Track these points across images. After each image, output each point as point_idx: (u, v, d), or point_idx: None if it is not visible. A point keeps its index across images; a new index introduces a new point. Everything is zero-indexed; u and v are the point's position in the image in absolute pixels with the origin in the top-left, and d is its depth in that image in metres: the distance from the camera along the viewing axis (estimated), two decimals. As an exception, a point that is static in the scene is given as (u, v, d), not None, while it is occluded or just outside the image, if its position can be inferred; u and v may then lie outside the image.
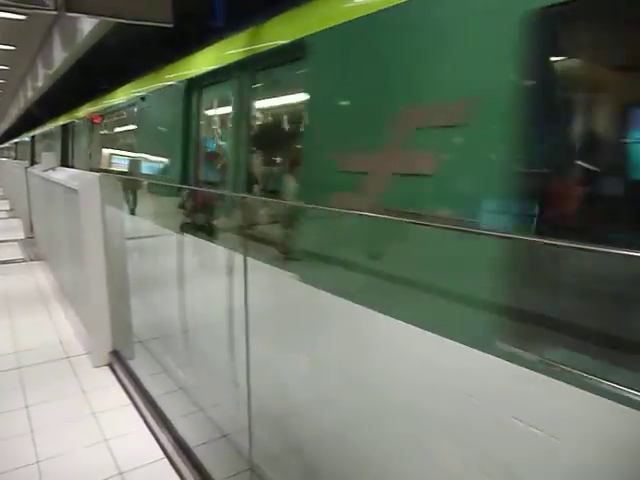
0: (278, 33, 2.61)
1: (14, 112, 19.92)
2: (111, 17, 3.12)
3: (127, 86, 5.37)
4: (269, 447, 2.36)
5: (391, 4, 1.81)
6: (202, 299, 3.05)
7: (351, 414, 1.88)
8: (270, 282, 2.37)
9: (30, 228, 8.89)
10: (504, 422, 1.31)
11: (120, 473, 2.61)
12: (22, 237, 9.17)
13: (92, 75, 8.03)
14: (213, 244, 3.03)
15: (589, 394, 1.13)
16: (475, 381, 1.40)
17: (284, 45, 2.48)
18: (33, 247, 8.27)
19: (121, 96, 5.56)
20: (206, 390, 3.00)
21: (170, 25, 3.36)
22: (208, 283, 3.05)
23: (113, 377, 3.73)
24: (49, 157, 6.35)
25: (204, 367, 3.09)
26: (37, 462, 2.71)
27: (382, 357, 1.71)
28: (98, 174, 3.95)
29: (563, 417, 1.21)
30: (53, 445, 2.85)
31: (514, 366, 1.28)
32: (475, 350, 1.38)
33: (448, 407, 1.48)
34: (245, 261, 2.35)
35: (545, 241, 1.23)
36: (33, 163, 9.71)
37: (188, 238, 3.25)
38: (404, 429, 1.64)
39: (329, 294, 1.93)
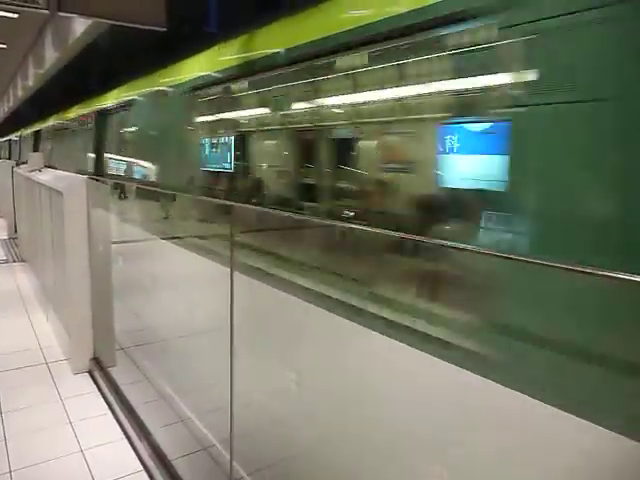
0: None
1: (3, 111, 19.71)
2: (103, 18, 3.07)
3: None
4: (251, 460, 2.31)
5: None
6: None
7: (335, 429, 1.84)
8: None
9: (14, 228, 8.74)
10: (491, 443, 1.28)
11: (95, 485, 2.53)
12: (5, 237, 9.02)
13: (82, 77, 7.98)
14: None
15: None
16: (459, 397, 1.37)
17: None
18: (16, 248, 8.12)
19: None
20: (187, 400, 2.94)
21: (163, 29, 3.33)
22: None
23: (93, 385, 3.63)
24: (35, 157, 6.25)
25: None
26: (10, 471, 2.61)
27: (365, 371, 1.68)
28: (85, 177, 3.89)
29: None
30: (27, 454, 2.76)
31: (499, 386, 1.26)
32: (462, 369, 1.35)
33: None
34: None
35: (538, 261, 1.21)
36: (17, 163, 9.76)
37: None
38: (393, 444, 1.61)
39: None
